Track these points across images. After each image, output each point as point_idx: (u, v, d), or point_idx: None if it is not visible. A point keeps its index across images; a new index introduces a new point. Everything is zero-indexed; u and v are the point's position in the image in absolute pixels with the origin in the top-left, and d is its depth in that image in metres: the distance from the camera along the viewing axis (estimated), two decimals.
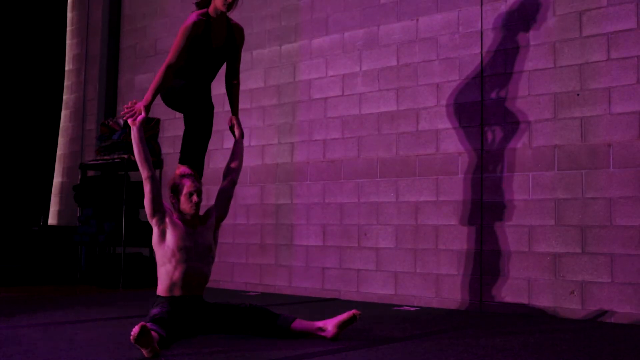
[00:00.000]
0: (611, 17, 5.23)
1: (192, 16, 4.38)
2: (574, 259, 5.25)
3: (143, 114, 4.07)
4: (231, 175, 4.33)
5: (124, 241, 7.50)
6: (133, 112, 4.10)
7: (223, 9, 4.38)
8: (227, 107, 7.72)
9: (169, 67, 4.28)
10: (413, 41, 6.33)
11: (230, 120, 4.57)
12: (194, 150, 4.56)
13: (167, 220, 3.96)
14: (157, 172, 7.35)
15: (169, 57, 4.31)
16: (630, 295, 4.95)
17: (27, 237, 8.22)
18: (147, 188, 3.96)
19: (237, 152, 4.42)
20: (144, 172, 3.97)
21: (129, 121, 4.08)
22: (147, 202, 3.96)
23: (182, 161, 4.55)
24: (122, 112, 4.17)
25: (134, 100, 4.18)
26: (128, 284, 7.47)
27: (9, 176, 9.02)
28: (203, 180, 4.64)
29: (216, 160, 7.68)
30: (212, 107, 4.68)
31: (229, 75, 4.75)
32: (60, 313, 5.26)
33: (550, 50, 5.51)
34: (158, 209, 3.96)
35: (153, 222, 3.98)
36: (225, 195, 4.28)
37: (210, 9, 4.42)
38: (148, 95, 4.20)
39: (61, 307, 5.66)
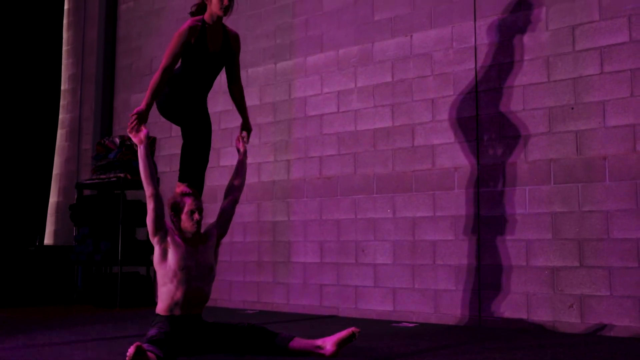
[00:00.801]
0: (604, 31, 5.26)
1: (188, 21, 4.43)
2: (572, 272, 5.24)
3: (145, 129, 4.06)
4: (233, 193, 4.31)
5: (121, 260, 7.48)
6: (135, 121, 4.09)
7: (220, 13, 4.40)
8: (223, 125, 7.75)
9: (165, 71, 4.29)
10: (407, 57, 6.36)
11: (240, 133, 4.61)
12: (193, 166, 4.54)
13: (168, 239, 3.94)
14: None
15: (163, 61, 4.32)
16: (629, 309, 4.94)
17: (23, 258, 8.18)
18: (150, 206, 3.94)
19: (240, 171, 4.40)
20: (148, 190, 3.96)
21: (134, 140, 4.06)
22: (149, 220, 3.93)
23: (181, 179, 4.54)
24: (129, 124, 4.13)
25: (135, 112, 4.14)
26: (125, 303, 7.43)
27: (5, 196, 8.99)
28: None
29: (213, 178, 7.68)
30: (208, 118, 4.67)
31: (231, 81, 4.76)
32: (57, 333, 5.23)
33: (544, 64, 5.54)
34: (160, 227, 3.94)
35: (155, 241, 3.95)
36: (227, 214, 4.27)
37: (206, 16, 4.45)
38: (146, 100, 4.20)
39: (58, 327, 5.63)
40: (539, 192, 5.46)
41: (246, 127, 4.68)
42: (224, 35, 4.55)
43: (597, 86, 5.26)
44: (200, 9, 4.52)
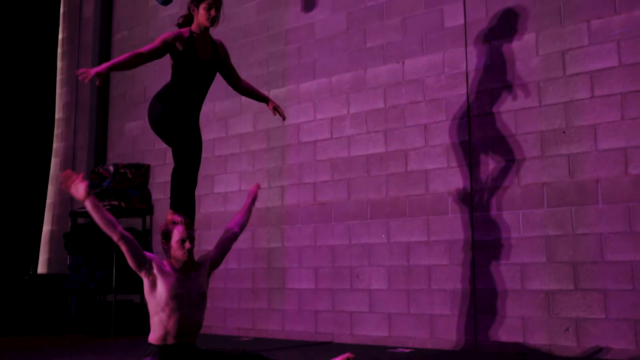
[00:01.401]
0: (593, 56, 5.33)
1: (175, 31, 4.54)
2: (567, 295, 5.24)
3: (85, 182, 3.85)
4: (234, 230, 4.29)
5: (115, 288, 7.44)
6: (86, 75, 4.12)
7: (207, 23, 4.49)
8: (217, 152, 7.77)
9: (138, 55, 4.36)
10: (400, 83, 6.41)
11: (271, 105, 4.94)
12: (183, 187, 4.53)
13: (155, 271, 3.89)
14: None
15: (142, 48, 4.41)
16: (625, 331, 4.94)
17: (17, 286, 8.14)
18: (123, 249, 3.86)
19: (247, 213, 4.41)
20: (112, 237, 3.85)
21: (75, 196, 3.88)
22: (129, 261, 3.87)
23: (173, 206, 4.54)
24: (79, 73, 4.16)
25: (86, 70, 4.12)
26: (119, 332, 7.38)
27: None
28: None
29: (207, 205, 7.68)
30: (199, 137, 4.68)
31: (234, 85, 4.89)
32: None
33: (535, 89, 5.59)
34: (142, 263, 3.89)
35: (141, 275, 3.92)
36: (224, 248, 4.25)
37: (193, 27, 4.54)
38: (105, 65, 4.24)
39: (52, 356, 5.58)
40: (532, 216, 5.48)
41: (271, 102, 4.97)
42: (212, 44, 4.62)
43: (588, 110, 5.31)
44: (187, 20, 4.60)
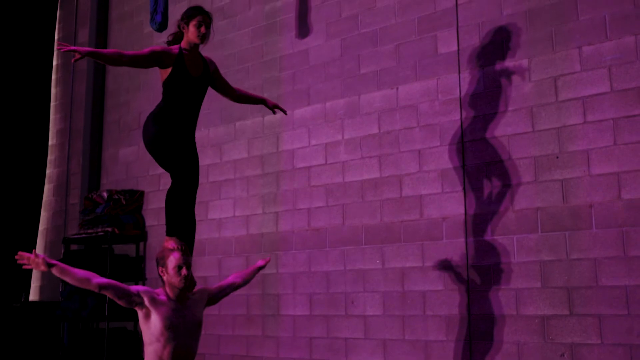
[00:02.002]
0: (585, 82, 5.37)
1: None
2: (562, 321, 5.23)
3: (42, 256, 3.77)
4: (238, 282, 4.38)
5: (108, 316, 7.38)
6: (66, 47, 4.13)
7: (197, 40, 4.53)
8: (211, 179, 7.76)
9: (121, 56, 4.35)
10: (394, 109, 6.44)
11: (270, 104, 5.08)
12: (182, 209, 4.48)
13: (147, 303, 3.87)
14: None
15: (129, 52, 4.42)
16: (620, 357, 4.92)
17: (8, 314, 8.06)
18: (108, 295, 3.87)
19: (252, 275, 4.53)
20: (93, 289, 3.83)
21: (37, 270, 3.85)
22: (119, 302, 3.89)
23: (169, 228, 4.49)
24: (59, 46, 4.16)
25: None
26: None
27: None
28: None
29: (201, 231, 7.65)
30: (196, 156, 4.67)
31: (228, 93, 4.95)
32: None
33: (528, 114, 5.63)
34: (132, 302, 3.88)
35: (135, 308, 3.92)
36: (225, 292, 4.30)
37: (183, 44, 4.56)
38: (88, 49, 4.24)
39: None
40: (526, 241, 5.48)
41: (268, 101, 5.12)
42: (202, 61, 4.66)
43: (580, 135, 5.34)
44: (177, 38, 4.63)
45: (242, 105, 7.58)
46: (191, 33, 4.51)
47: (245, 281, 4.45)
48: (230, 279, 4.38)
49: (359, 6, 6.82)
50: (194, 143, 4.69)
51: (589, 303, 5.12)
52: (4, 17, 9.54)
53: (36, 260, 3.75)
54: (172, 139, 4.47)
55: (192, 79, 4.52)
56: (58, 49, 4.18)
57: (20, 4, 9.73)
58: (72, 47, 4.14)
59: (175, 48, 4.52)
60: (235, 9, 7.92)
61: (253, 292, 7.19)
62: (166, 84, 4.48)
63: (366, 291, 6.35)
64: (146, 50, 4.47)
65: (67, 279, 3.79)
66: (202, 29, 4.51)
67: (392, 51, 6.53)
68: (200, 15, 4.52)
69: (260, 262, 4.60)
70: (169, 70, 4.46)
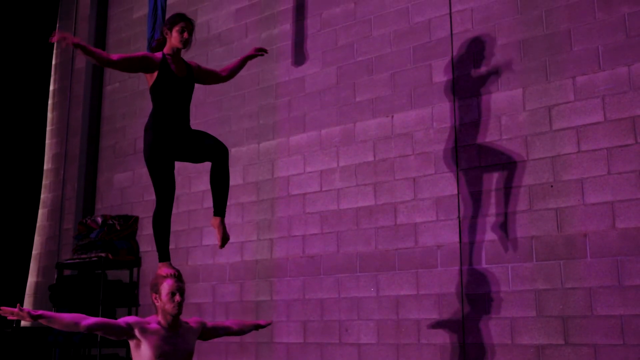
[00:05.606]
0: (579, 112, 5.41)
1: None
2: (557, 350, 5.21)
3: (27, 309, 3.71)
4: (232, 329, 4.45)
5: (100, 342, 7.31)
6: (62, 38, 4.19)
7: (180, 45, 4.67)
8: (206, 205, 7.75)
9: (110, 56, 4.43)
10: (389, 137, 6.46)
11: (252, 51, 5.14)
12: (156, 217, 4.58)
13: (137, 334, 3.86)
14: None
15: (117, 55, 4.49)
16: None
17: (0, 340, 7.98)
18: (98, 334, 3.87)
19: (248, 328, 4.63)
20: (82, 331, 3.82)
21: (25, 321, 3.84)
22: (110, 339, 3.89)
23: (162, 258, 4.51)
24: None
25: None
26: None
27: None
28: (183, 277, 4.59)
29: (195, 257, 7.63)
30: (212, 138, 4.79)
31: (218, 77, 5.04)
32: None
33: (523, 143, 5.66)
34: (121, 335, 3.88)
35: (127, 339, 3.91)
36: (216, 334, 4.34)
37: (166, 49, 4.69)
38: (79, 40, 4.28)
39: None
40: (521, 269, 5.48)
41: (250, 52, 5.16)
42: (185, 64, 4.79)
43: (575, 164, 5.37)
44: (160, 44, 4.81)
45: (238, 131, 7.61)
46: (174, 38, 4.67)
47: (241, 331, 4.54)
48: (228, 323, 4.48)
49: (355, 35, 6.88)
50: (193, 131, 4.76)
51: (584, 332, 5.10)
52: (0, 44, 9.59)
53: (21, 314, 3.68)
54: (167, 148, 4.53)
55: (178, 80, 4.67)
56: (50, 41, 4.24)
57: (17, 29, 9.78)
58: (63, 34, 4.25)
59: (157, 54, 4.65)
60: (232, 37, 7.98)
61: (246, 319, 7.14)
62: (154, 87, 4.61)
63: (360, 319, 6.32)
64: (140, 53, 4.63)
65: (56, 326, 3.79)
66: (185, 35, 4.66)
67: (388, 79, 6.57)
68: (183, 22, 4.68)
69: (261, 322, 4.68)
70: (156, 73, 4.57)
